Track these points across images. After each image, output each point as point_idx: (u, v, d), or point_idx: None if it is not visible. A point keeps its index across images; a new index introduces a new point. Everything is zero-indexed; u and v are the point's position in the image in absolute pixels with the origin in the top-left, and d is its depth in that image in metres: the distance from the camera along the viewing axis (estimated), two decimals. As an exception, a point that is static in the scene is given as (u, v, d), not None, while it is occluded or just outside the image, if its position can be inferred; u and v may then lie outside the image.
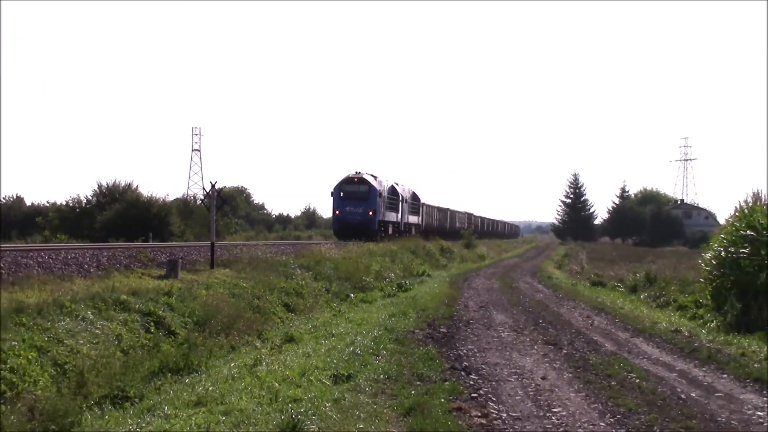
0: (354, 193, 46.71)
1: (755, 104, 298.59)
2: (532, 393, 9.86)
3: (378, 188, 47.46)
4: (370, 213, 46.26)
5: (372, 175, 48.55)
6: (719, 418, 8.73)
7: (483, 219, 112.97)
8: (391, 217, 52.41)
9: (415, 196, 63.73)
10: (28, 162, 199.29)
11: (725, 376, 11.30)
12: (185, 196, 68.51)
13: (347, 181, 47.29)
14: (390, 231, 52.00)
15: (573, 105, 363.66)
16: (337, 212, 47.36)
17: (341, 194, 47.16)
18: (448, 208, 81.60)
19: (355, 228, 45.64)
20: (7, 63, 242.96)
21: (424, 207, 67.55)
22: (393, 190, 53.40)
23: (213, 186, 26.26)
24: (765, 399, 9.81)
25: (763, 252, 16.31)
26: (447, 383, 10.05)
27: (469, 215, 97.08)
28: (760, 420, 8.76)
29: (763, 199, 18.78)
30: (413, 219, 61.74)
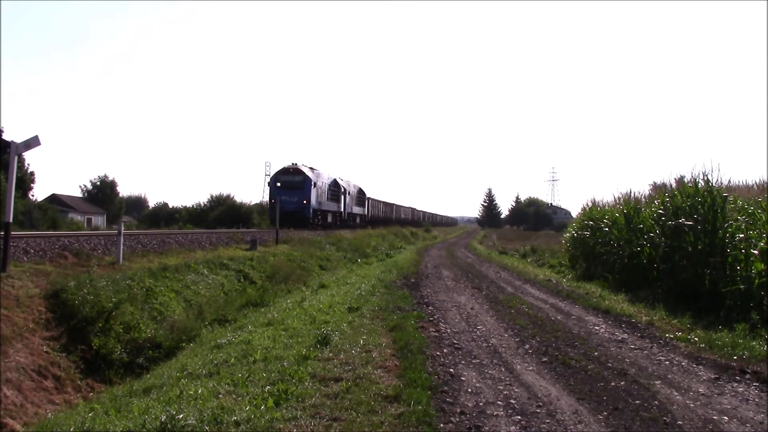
0: (289, 182, 32.87)
1: (596, 148, 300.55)
2: (464, 317, 9.84)
3: (314, 179, 33.63)
4: (304, 202, 32.50)
5: (310, 168, 34.77)
6: (574, 330, 8.75)
7: (424, 212, 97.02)
8: (332, 207, 38.37)
9: (361, 191, 48.96)
10: (169, 179, 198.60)
11: (577, 306, 11.32)
12: (261, 201, 68.61)
13: (283, 172, 33.58)
14: (329, 219, 38.00)
15: (489, 134, 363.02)
16: (273, 201, 31.79)
17: (277, 184, 33.31)
18: (393, 203, 65.46)
19: (291, 216, 31.86)
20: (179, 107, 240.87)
21: (370, 200, 52.52)
22: (335, 184, 39.39)
23: (344, 207, 26.84)
24: (600, 319, 9.84)
25: (597, 233, 16.38)
26: (415, 312, 10.03)
27: (413, 209, 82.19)
28: (597, 330, 8.79)
29: (597, 203, 18.88)
30: (358, 210, 47.45)
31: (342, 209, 41.13)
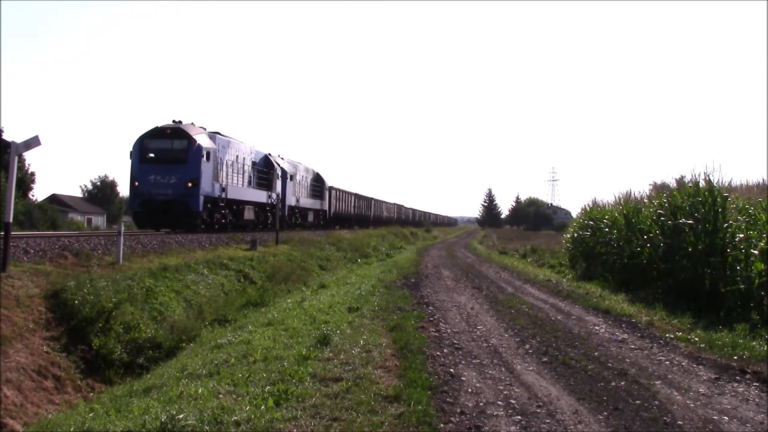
0: (164, 152, 19.87)
1: (596, 148, 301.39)
2: (465, 317, 9.84)
3: (210, 148, 20.64)
4: (189, 185, 19.52)
5: (211, 133, 21.75)
6: (574, 330, 8.75)
7: (415, 210, 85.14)
8: (256, 196, 25.52)
9: (318, 178, 36.62)
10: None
11: (577, 306, 11.32)
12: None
13: (154, 135, 20.15)
14: (250, 215, 25.15)
15: (489, 134, 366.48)
16: (136, 183, 19.80)
17: (144, 155, 19.94)
18: (372, 197, 53.68)
19: (165, 208, 19.65)
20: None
21: (333, 191, 39.76)
22: (266, 162, 27.25)
23: (278, 197, 26.32)
24: (600, 319, 9.84)
25: (597, 234, 16.38)
26: (415, 312, 10.02)
27: (399, 206, 70.69)
28: (597, 330, 8.80)
29: (597, 204, 18.88)
30: (311, 203, 34.56)
31: (276, 200, 27.41)
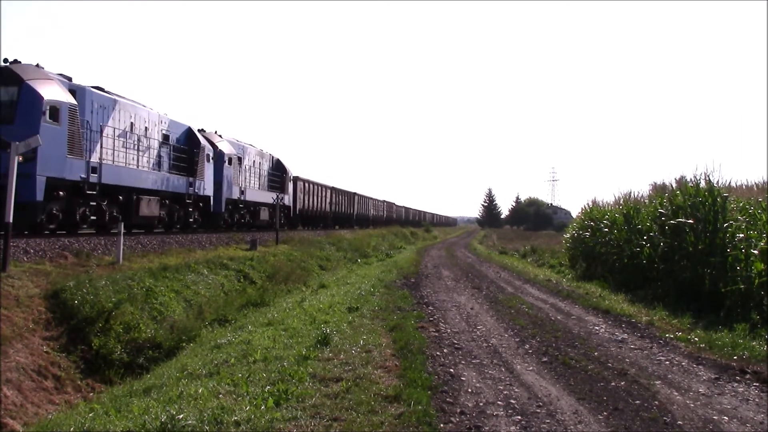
0: None
1: (596, 148, 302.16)
2: (464, 317, 9.84)
3: (60, 102, 12.50)
4: (20, 159, 10.34)
5: (91, 88, 14.58)
6: (574, 330, 8.75)
7: (408, 209, 78.55)
8: (168, 183, 18.06)
9: (279, 166, 29.68)
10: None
11: (577, 306, 11.32)
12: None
13: None
14: (153, 210, 17.08)
15: (489, 134, 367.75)
16: None
17: None
18: (355, 193, 47.24)
19: None
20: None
21: (300, 183, 32.27)
22: (190, 139, 20.10)
23: (277, 198, 26.32)
24: (600, 319, 9.84)
25: (597, 234, 16.38)
26: (415, 312, 10.01)
27: (390, 204, 64.21)
28: (597, 330, 8.79)
29: (597, 204, 18.88)
30: (266, 196, 26.41)
31: (206, 189, 20.75)
